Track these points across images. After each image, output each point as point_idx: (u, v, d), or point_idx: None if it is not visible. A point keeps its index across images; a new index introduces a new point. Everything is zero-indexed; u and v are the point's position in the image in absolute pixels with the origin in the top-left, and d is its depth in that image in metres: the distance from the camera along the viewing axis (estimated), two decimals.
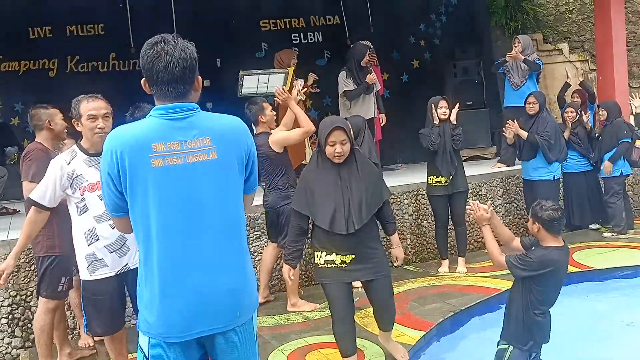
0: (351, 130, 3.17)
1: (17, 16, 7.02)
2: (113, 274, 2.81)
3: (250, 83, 4.98)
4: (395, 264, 3.29)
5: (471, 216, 2.93)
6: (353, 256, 2.96)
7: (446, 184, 4.89)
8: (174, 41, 1.87)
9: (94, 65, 7.45)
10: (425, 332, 3.68)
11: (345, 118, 4.66)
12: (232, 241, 1.88)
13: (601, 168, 5.80)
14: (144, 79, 1.89)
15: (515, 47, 6.33)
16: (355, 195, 2.94)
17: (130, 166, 1.77)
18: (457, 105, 4.93)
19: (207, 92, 7.62)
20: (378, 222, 3.18)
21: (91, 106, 2.87)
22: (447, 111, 4.84)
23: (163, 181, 1.78)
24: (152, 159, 1.77)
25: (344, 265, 2.97)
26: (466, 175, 5.13)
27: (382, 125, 6.57)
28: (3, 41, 7.00)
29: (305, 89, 5.69)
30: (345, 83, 6.08)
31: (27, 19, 7.09)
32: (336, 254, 2.97)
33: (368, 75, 5.94)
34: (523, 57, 6.23)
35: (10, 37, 7.03)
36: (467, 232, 5.28)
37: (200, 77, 1.97)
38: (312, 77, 6.20)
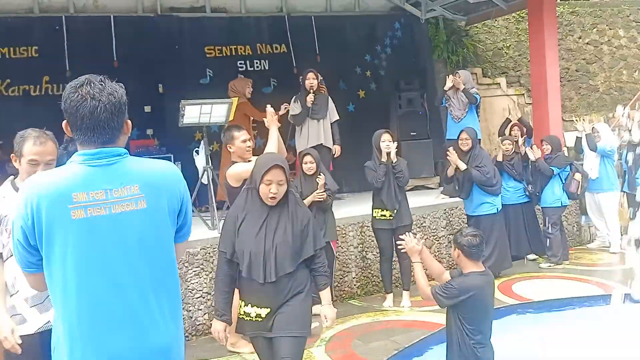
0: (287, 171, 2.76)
1: None
2: (32, 331, 2.50)
3: (192, 112, 4.84)
4: (324, 325, 2.86)
5: (403, 249, 3.04)
6: (269, 310, 2.63)
7: (391, 217, 4.89)
8: (101, 84, 1.75)
9: (26, 89, 7.07)
10: None
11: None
12: (161, 295, 1.73)
13: (540, 198, 6.02)
14: (65, 121, 1.74)
15: (455, 78, 6.52)
16: (281, 241, 2.63)
17: (48, 218, 1.61)
18: (396, 143, 4.98)
19: (148, 119, 7.50)
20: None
21: (35, 150, 2.59)
22: (390, 144, 4.86)
23: (84, 234, 1.63)
24: (72, 210, 1.62)
25: (259, 319, 2.64)
26: (410, 206, 5.15)
27: (334, 156, 6.46)
28: None
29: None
30: (293, 107, 6.05)
31: None
32: (252, 305, 2.65)
33: (307, 97, 5.91)
34: (463, 86, 6.41)
35: None
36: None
37: (129, 121, 1.84)
38: (284, 107, 6.05)
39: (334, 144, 6.26)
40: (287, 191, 2.72)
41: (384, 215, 4.91)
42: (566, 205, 6.12)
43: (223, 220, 2.75)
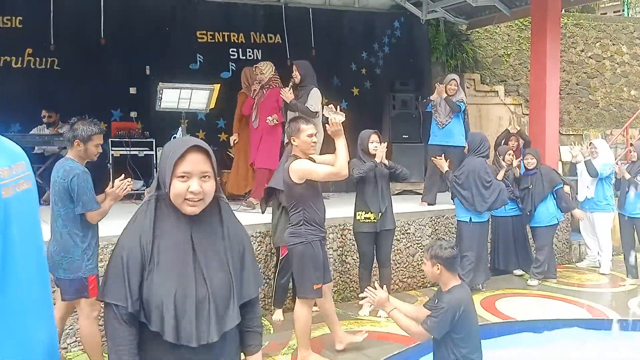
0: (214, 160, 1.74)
1: None
2: None
3: (171, 97, 4.57)
4: None
5: (372, 304, 2.89)
6: None
7: (375, 220, 4.64)
8: None
9: (7, 60, 6.76)
10: None
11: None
12: (47, 285, 1.59)
13: (533, 216, 5.79)
14: None
15: (449, 86, 6.27)
16: (220, 277, 1.67)
17: None
18: (385, 144, 4.69)
19: (132, 101, 7.20)
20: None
21: None
22: (379, 146, 4.63)
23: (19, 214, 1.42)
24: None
25: None
26: (395, 212, 4.92)
27: None
28: None
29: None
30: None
31: None
32: None
33: (282, 91, 5.52)
34: (445, 94, 6.17)
35: None
36: (392, 272, 5.06)
37: None
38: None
39: None
40: (216, 195, 1.71)
41: (368, 218, 4.67)
42: (559, 222, 5.93)
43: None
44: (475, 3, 7.67)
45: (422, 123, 7.73)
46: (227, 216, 1.75)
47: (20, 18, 6.84)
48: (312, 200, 3.56)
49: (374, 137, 4.62)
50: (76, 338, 3.91)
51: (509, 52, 9.42)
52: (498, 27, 9.22)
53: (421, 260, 5.65)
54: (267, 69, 5.90)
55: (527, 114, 8.57)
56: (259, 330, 1.85)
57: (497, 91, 8.84)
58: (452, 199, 5.52)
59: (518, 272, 6.04)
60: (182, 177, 1.61)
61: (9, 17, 6.80)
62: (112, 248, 1.71)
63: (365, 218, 4.68)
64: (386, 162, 4.65)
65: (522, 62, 9.29)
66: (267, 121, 5.63)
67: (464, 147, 6.01)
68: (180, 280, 1.60)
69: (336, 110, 3.47)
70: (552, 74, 7.00)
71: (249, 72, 6.39)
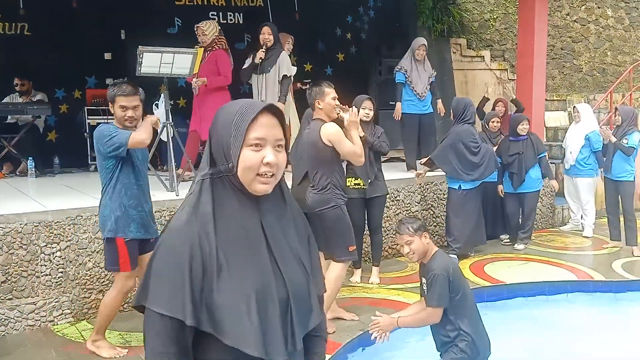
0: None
1: None
2: None
3: (151, 61, 4.35)
4: None
5: (380, 326, 2.85)
6: None
7: (364, 187, 4.57)
8: None
9: None
10: (332, 355, 3.30)
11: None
12: None
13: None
14: None
15: (417, 50, 6.11)
16: (294, 271, 1.33)
17: None
18: (372, 112, 4.54)
19: (108, 67, 6.90)
20: None
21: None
22: (371, 113, 4.51)
23: None
24: None
25: None
26: (385, 179, 4.85)
27: None
28: None
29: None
30: (246, 62, 5.57)
31: None
32: None
33: (258, 53, 5.36)
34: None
35: None
36: (383, 239, 5.01)
37: None
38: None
39: (278, 101, 5.47)
40: None
41: (358, 184, 4.58)
42: (542, 187, 5.96)
43: (161, 236, 1.28)
44: None
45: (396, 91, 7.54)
46: (289, 195, 1.40)
47: None
48: (337, 165, 3.61)
49: (367, 104, 4.50)
50: (62, 311, 3.79)
51: (495, 16, 9.28)
52: None
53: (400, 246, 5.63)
54: (209, 30, 5.51)
55: (512, 80, 8.50)
56: (325, 335, 1.50)
57: (483, 56, 8.72)
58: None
59: (504, 236, 6.06)
60: (256, 145, 1.26)
61: None
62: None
63: (355, 184, 4.60)
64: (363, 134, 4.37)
65: (508, 27, 9.17)
66: (193, 83, 5.34)
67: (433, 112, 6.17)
68: (258, 279, 1.25)
69: (346, 108, 3.59)
70: (540, 37, 6.89)
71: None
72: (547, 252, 5.67)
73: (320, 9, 7.89)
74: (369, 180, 4.55)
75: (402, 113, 6.23)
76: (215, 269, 1.21)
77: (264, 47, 5.33)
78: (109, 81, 6.71)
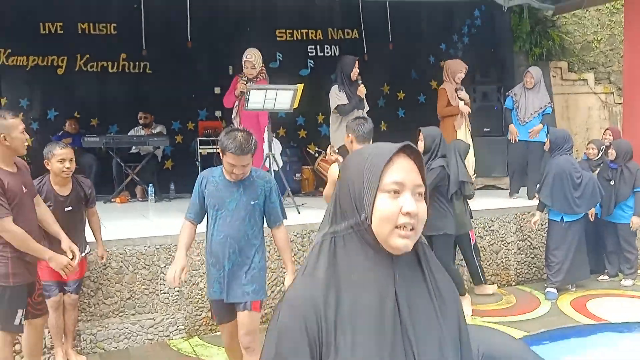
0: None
1: (29, 11, 6.89)
2: None
3: (257, 98, 4.76)
4: None
5: None
6: None
7: None
8: None
9: (104, 65, 7.29)
10: None
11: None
12: None
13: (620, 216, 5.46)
14: None
15: (525, 78, 6.11)
16: (431, 352, 1.07)
17: None
18: (422, 143, 4.37)
19: (217, 100, 7.51)
20: None
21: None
22: (421, 145, 4.34)
23: None
24: None
25: None
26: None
27: None
28: (13, 35, 6.87)
29: None
30: (337, 97, 5.56)
31: (39, 14, 6.95)
32: None
33: (359, 89, 5.55)
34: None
35: (20, 32, 6.90)
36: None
37: None
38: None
39: None
40: None
41: None
42: None
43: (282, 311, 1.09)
44: None
45: (505, 116, 7.49)
46: (428, 257, 1.14)
47: (115, 25, 7.33)
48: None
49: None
50: (177, 327, 4.21)
51: (599, 38, 8.88)
52: (587, 11, 8.71)
53: (506, 257, 5.56)
54: (258, 62, 5.53)
55: (620, 103, 8.07)
56: None
57: (587, 79, 8.37)
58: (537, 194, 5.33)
59: (612, 272, 5.75)
60: (394, 191, 1.06)
61: (105, 25, 7.31)
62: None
63: None
64: None
65: (614, 48, 8.73)
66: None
67: (544, 142, 5.90)
68: (384, 358, 1.03)
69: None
70: None
71: (450, 64, 6.36)
72: None
73: (414, 38, 8.05)
74: None
75: (507, 139, 6.28)
76: (332, 349, 1.02)
77: (358, 80, 5.55)
78: (217, 113, 7.35)
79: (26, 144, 2.98)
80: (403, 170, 1.07)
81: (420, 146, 4.25)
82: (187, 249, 3.04)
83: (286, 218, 3.11)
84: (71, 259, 3.07)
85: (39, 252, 2.92)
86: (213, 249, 2.95)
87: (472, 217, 5.00)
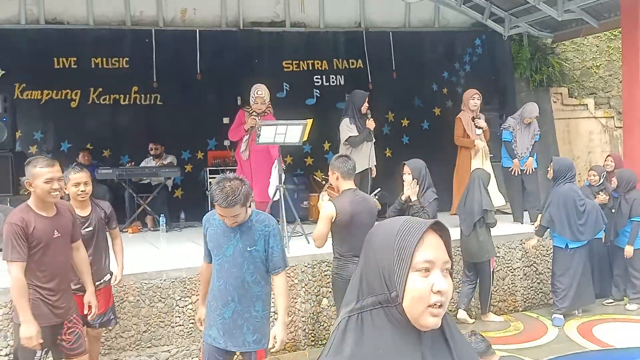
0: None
1: (43, 46, 7.12)
2: None
3: (268, 133, 4.92)
4: None
5: None
6: None
7: None
8: None
9: (116, 97, 7.47)
10: None
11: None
12: None
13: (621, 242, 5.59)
14: None
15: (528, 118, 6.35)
16: None
17: None
18: (416, 180, 4.30)
19: (225, 130, 7.69)
20: None
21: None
22: (409, 177, 4.30)
23: None
24: None
25: None
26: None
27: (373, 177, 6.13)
28: (27, 70, 7.10)
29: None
30: (349, 129, 5.81)
31: (54, 49, 7.18)
32: None
33: (368, 122, 5.78)
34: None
35: (35, 66, 7.12)
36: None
37: None
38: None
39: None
40: None
41: None
42: None
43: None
44: (561, 17, 7.50)
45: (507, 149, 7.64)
46: (452, 329, 1.16)
47: (127, 59, 7.54)
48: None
49: (405, 169, 4.38)
50: (192, 358, 4.30)
51: (598, 64, 9.08)
52: (586, 38, 8.92)
53: (512, 283, 5.65)
54: (267, 97, 5.69)
55: (620, 127, 8.22)
56: None
57: (587, 104, 8.54)
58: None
59: (617, 296, 5.82)
60: (425, 270, 1.08)
61: (117, 59, 7.52)
62: None
63: None
64: (412, 197, 4.28)
65: (612, 74, 8.92)
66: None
67: (536, 167, 6.34)
68: None
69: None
70: None
71: (466, 95, 6.60)
72: None
73: (417, 67, 8.26)
74: None
75: (502, 167, 6.41)
76: None
77: (368, 116, 5.75)
78: (226, 143, 7.52)
79: (56, 193, 2.95)
80: (433, 248, 1.10)
81: (409, 180, 4.30)
82: (206, 296, 3.00)
83: (287, 266, 2.97)
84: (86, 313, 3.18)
85: (21, 311, 2.83)
86: (214, 294, 2.87)
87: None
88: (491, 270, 5.15)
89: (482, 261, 5.08)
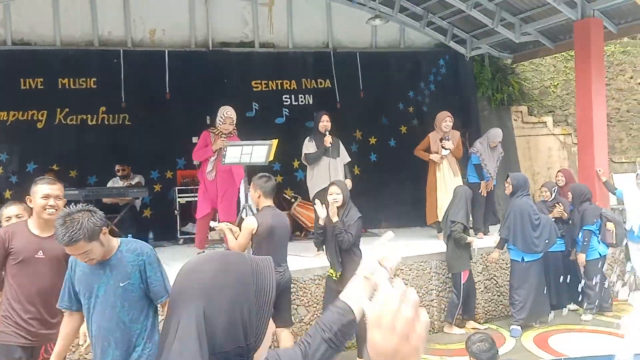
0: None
1: (10, 67, 7.10)
2: None
3: (234, 153, 5.03)
4: None
5: None
6: None
7: (336, 278, 4.29)
8: None
9: (83, 118, 7.47)
10: None
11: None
12: None
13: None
14: None
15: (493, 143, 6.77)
16: None
17: None
18: (341, 196, 4.35)
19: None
20: None
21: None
22: (339, 197, 4.33)
23: None
24: None
25: None
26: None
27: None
28: None
29: None
30: (306, 147, 6.12)
31: (20, 70, 7.16)
32: None
33: (325, 139, 5.97)
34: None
35: (1, 87, 7.07)
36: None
37: None
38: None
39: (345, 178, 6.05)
40: None
41: (331, 274, 4.38)
42: (604, 255, 5.91)
43: None
44: (518, 39, 7.85)
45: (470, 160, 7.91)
46: None
47: (95, 79, 7.54)
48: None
49: (333, 189, 4.44)
50: None
51: (555, 83, 9.47)
52: (544, 58, 9.31)
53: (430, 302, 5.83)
54: (235, 118, 5.82)
55: (577, 143, 8.56)
56: None
57: (546, 122, 8.89)
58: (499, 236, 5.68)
59: (572, 306, 6.06)
60: None
61: (84, 79, 7.51)
62: None
63: (330, 272, 4.46)
64: (333, 218, 4.31)
65: (569, 92, 9.31)
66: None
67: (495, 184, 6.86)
68: None
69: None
70: (598, 105, 7.01)
71: (438, 115, 6.93)
72: (617, 323, 5.61)
73: (383, 86, 8.48)
74: (339, 273, 4.28)
75: (468, 182, 6.73)
76: None
77: (326, 132, 5.94)
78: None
79: (52, 210, 2.92)
80: None
81: (340, 199, 4.35)
82: (61, 355, 2.66)
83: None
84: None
85: None
86: (92, 342, 2.60)
87: (471, 259, 5.55)
88: (461, 282, 5.34)
89: (454, 272, 5.41)
